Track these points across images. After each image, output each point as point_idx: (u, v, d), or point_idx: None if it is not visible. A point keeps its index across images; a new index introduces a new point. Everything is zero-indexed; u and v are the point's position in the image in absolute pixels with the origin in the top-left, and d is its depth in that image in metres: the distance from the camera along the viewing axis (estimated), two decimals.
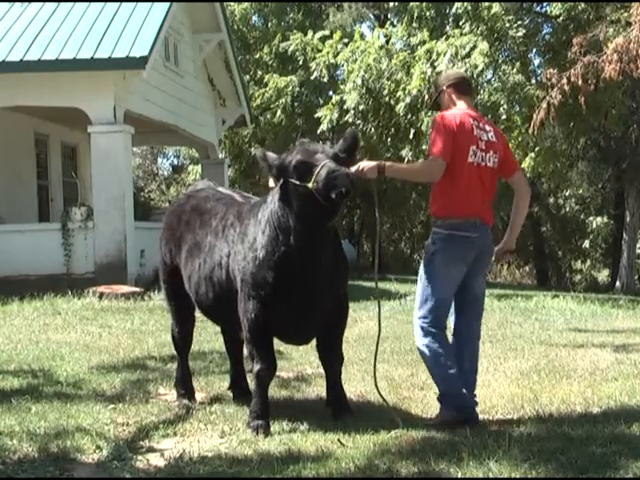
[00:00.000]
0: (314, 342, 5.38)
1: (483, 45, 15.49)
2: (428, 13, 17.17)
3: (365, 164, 4.88)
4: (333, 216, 4.90)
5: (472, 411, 4.99)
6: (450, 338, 5.16)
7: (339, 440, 4.59)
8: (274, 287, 4.92)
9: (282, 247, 4.89)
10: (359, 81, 16.84)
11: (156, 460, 4.40)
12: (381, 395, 5.20)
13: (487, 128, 5.10)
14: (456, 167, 4.92)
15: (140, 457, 4.45)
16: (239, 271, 5.11)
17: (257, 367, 5.07)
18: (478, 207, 4.99)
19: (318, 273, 4.91)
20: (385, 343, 7.94)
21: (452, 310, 5.17)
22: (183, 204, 6.05)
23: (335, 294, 5.13)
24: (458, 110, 5.08)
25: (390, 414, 5.02)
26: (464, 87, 5.27)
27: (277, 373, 6.64)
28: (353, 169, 4.81)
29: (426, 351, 5.02)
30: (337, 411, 5.23)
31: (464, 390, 5.00)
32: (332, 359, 5.32)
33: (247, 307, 5.05)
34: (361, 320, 10.38)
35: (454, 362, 5.01)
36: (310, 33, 21.98)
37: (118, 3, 14.76)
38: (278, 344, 5.50)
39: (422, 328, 5.02)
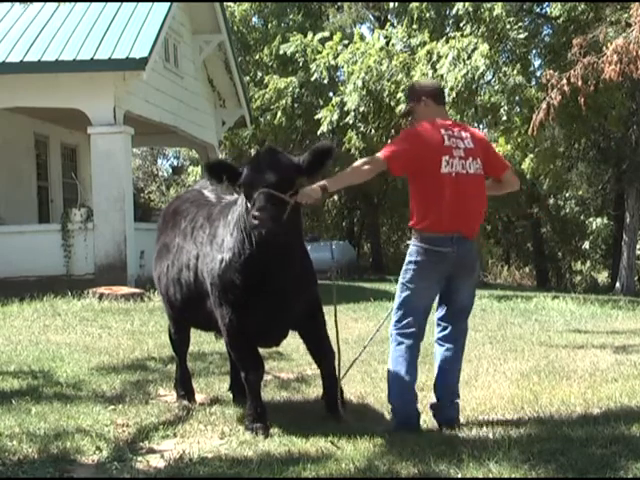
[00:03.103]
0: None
1: (484, 47, 15.50)
2: (428, 14, 17.18)
3: (305, 191, 4.70)
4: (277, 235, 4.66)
5: (415, 427, 4.94)
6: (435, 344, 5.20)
7: (331, 442, 4.59)
8: (243, 289, 4.89)
9: (247, 250, 4.84)
10: (359, 82, 16.86)
11: (156, 461, 4.39)
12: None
13: (463, 135, 5.02)
14: (428, 179, 4.87)
15: (140, 458, 4.44)
16: (208, 274, 5.09)
17: (244, 372, 5.07)
18: (457, 220, 4.90)
19: (284, 276, 4.87)
20: (385, 344, 7.93)
21: (436, 318, 5.19)
22: (169, 205, 6.18)
23: (305, 297, 5.07)
24: (429, 123, 5.00)
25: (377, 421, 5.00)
26: (441, 97, 5.26)
27: (277, 374, 6.67)
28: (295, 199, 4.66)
29: (393, 359, 5.03)
30: (331, 410, 5.20)
31: (413, 408, 5.02)
32: (324, 356, 5.29)
33: (222, 312, 5.02)
34: (361, 321, 10.38)
35: (414, 379, 5.03)
36: (310, 34, 22.02)
37: (118, 4, 14.78)
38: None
39: (394, 335, 5.04)
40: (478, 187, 5.05)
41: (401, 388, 4.99)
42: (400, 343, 5.00)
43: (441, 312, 5.15)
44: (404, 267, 5.03)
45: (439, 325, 5.17)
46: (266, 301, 4.90)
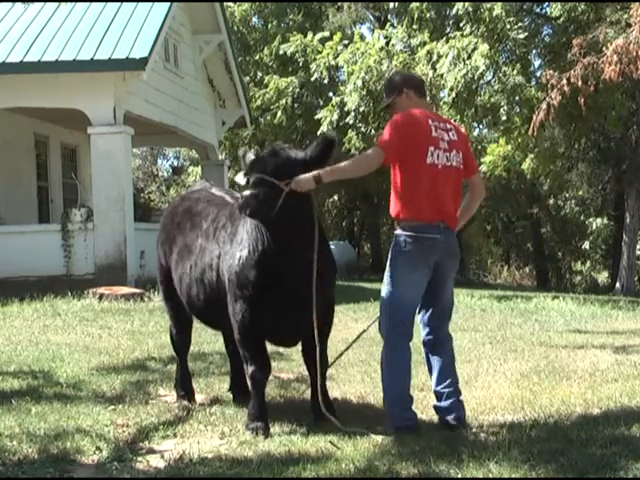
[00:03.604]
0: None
1: (484, 47, 15.50)
2: (428, 14, 17.18)
3: (298, 179, 4.74)
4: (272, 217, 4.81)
5: (412, 429, 4.82)
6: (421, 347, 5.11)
7: (331, 442, 4.59)
8: (257, 286, 4.93)
9: (261, 246, 4.93)
10: (359, 82, 16.85)
11: (156, 461, 4.40)
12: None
13: (448, 127, 5.02)
14: (413, 168, 4.83)
15: (140, 458, 4.45)
16: (227, 270, 5.14)
17: (251, 369, 5.07)
18: (441, 210, 4.87)
19: (300, 272, 4.89)
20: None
21: (420, 320, 5.09)
22: (176, 206, 6.13)
23: (321, 295, 5.01)
24: (417, 112, 4.97)
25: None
26: (423, 90, 5.20)
27: (277, 374, 6.67)
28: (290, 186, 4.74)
29: (388, 365, 4.93)
30: (318, 417, 5.13)
31: (410, 410, 4.92)
32: (318, 362, 5.18)
33: (235, 308, 5.06)
34: (361, 321, 10.37)
35: (410, 383, 4.95)
36: (310, 34, 22.02)
37: (118, 4, 14.78)
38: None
39: (388, 337, 4.92)
40: (458, 180, 5.02)
41: (399, 395, 4.92)
42: (395, 347, 4.91)
43: (425, 315, 5.06)
44: (390, 261, 4.93)
45: (425, 328, 5.08)
46: (279, 298, 4.92)
